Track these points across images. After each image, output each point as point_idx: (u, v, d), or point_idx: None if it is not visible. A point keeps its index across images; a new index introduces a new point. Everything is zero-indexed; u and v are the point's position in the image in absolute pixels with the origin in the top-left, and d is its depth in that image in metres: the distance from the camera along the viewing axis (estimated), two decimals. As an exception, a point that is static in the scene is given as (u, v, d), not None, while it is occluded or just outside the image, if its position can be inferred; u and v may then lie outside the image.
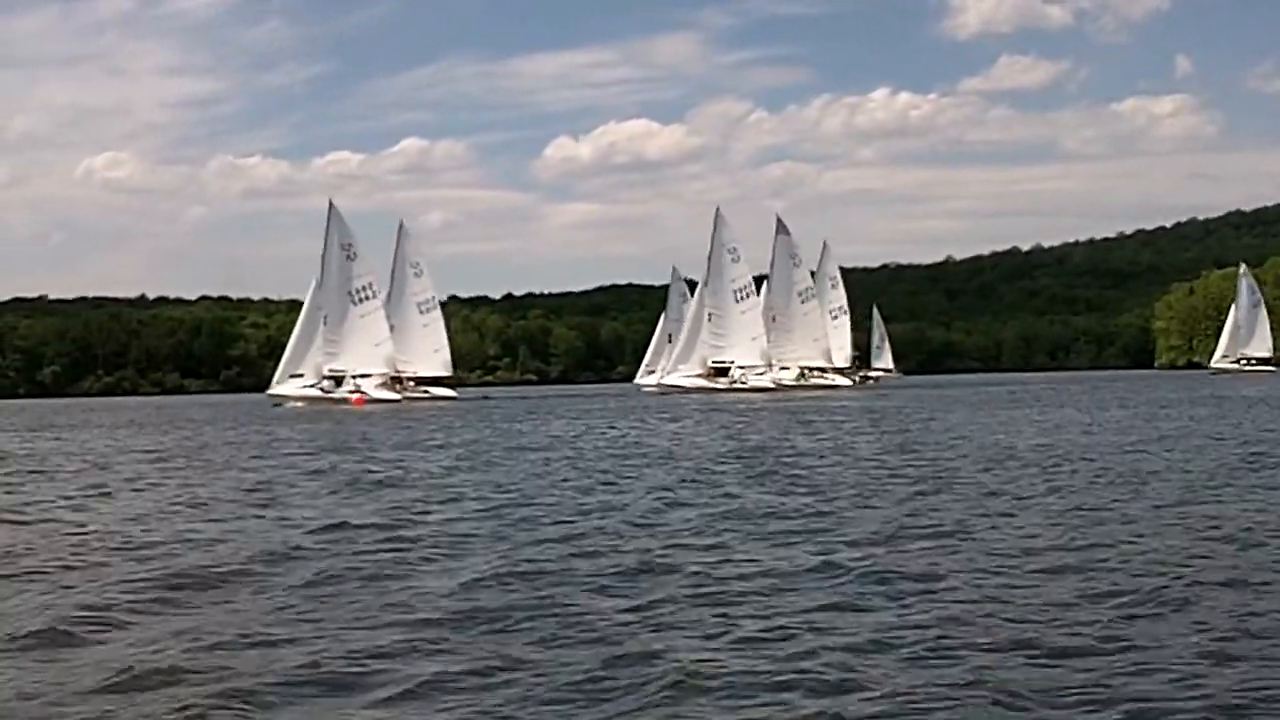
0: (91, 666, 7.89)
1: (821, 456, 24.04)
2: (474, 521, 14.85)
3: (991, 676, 7.08)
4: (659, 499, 16.95)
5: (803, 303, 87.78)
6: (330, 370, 72.16)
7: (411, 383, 73.64)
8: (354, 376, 71.71)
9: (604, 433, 36.25)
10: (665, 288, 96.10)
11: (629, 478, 20.51)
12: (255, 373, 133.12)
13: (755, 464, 22.51)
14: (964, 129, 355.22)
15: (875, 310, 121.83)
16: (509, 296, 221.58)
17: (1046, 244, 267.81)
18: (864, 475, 19.73)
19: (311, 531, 14.03)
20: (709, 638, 8.29)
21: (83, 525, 15.34)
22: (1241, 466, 19.73)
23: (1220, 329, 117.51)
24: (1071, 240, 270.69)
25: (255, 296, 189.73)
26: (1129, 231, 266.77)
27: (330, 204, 74.81)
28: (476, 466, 23.81)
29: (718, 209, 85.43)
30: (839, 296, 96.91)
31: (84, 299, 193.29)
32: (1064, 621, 8.48)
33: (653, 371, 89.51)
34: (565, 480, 20.31)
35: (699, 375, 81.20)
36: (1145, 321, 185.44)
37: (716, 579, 10.41)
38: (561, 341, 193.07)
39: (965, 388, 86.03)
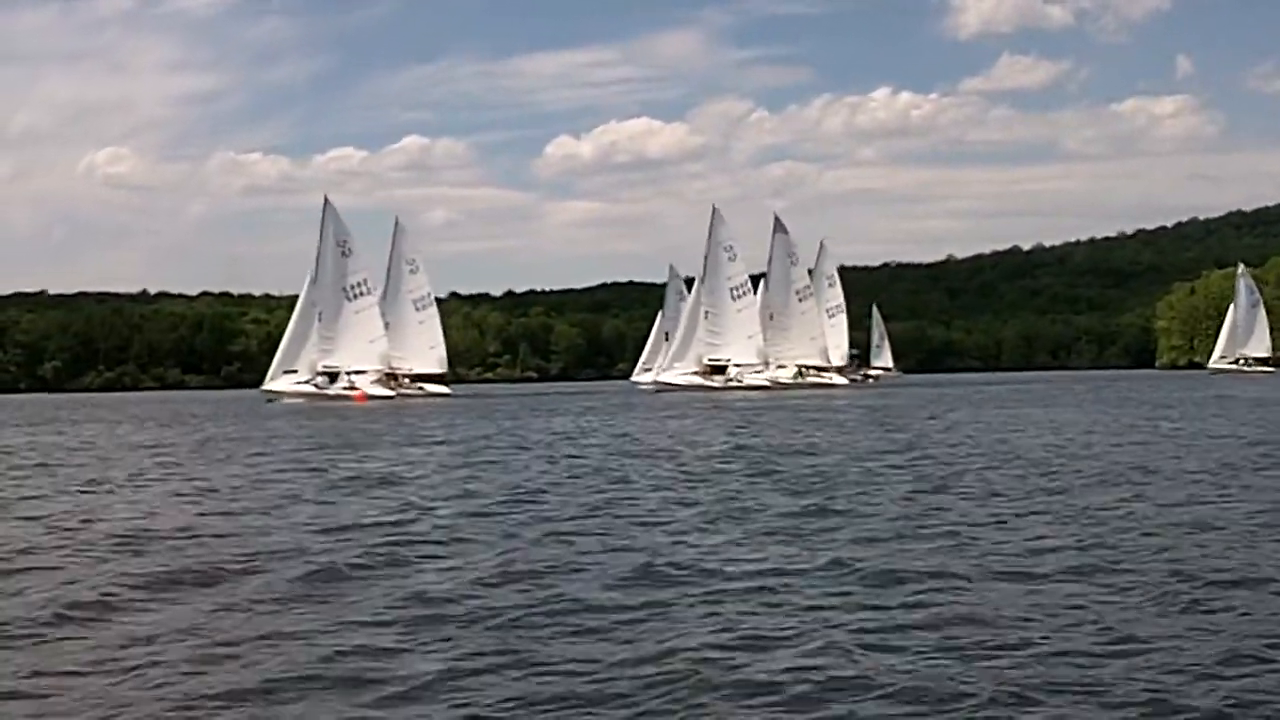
0: (92, 660, 7.88)
1: (824, 454, 23.99)
2: (477, 518, 14.81)
3: (998, 676, 7.05)
4: (664, 496, 16.91)
5: (800, 301, 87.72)
6: (324, 366, 71.97)
7: (406, 379, 73.63)
8: (348, 373, 71.51)
9: (598, 430, 36.22)
10: (665, 285, 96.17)
11: (629, 478, 20.45)
12: (256, 368, 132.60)
13: (758, 462, 22.47)
14: (965, 129, 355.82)
15: (875, 309, 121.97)
16: (510, 294, 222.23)
17: (1047, 243, 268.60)
18: (867, 473, 19.68)
19: (314, 531, 13.99)
20: (715, 634, 8.25)
21: (85, 519, 15.31)
22: (1245, 465, 19.68)
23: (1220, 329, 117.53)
24: (1072, 240, 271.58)
25: (256, 292, 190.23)
26: (1130, 231, 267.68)
27: (325, 200, 74.46)
28: (476, 464, 23.77)
29: (714, 207, 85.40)
30: (836, 295, 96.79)
31: (85, 294, 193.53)
32: (1071, 621, 8.45)
33: (649, 369, 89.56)
34: (570, 477, 20.28)
35: (695, 373, 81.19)
36: (1146, 321, 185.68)
37: (722, 576, 10.38)
38: (562, 338, 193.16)
39: (965, 386, 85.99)
